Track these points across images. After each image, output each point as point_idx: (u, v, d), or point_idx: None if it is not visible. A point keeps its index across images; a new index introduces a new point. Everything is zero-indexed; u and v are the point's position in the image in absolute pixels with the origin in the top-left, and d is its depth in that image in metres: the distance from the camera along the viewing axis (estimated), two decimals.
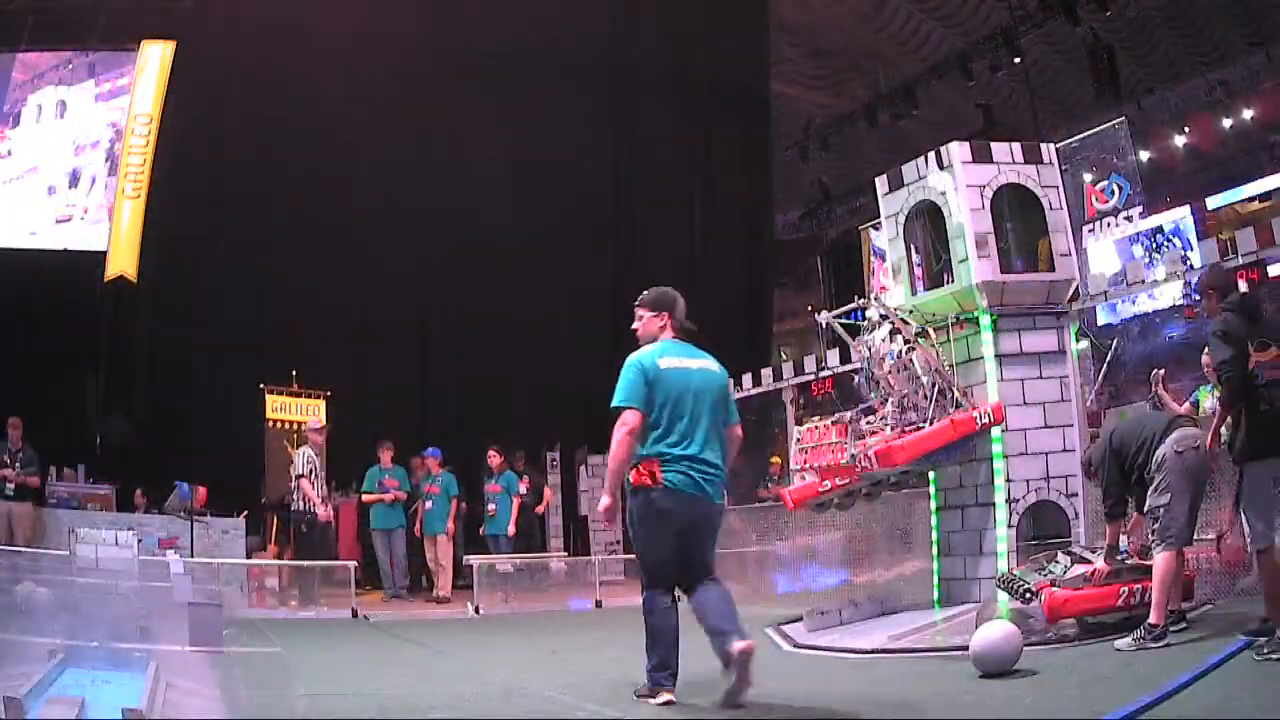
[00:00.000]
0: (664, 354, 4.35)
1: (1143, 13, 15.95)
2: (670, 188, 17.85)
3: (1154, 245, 15.34)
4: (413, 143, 15.48)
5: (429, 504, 11.04)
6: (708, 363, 4.46)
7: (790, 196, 21.60)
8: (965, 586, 6.84)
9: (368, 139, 14.84)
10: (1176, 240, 15.33)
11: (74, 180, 14.60)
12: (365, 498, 11.02)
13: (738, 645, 3.97)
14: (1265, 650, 4.29)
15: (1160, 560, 4.93)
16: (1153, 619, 4.87)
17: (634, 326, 4.61)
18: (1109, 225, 14.59)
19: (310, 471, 9.95)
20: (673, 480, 4.15)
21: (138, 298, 14.19)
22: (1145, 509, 5.12)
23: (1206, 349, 5.04)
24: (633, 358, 4.36)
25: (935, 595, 7.09)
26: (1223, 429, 4.75)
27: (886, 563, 9.17)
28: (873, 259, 19.22)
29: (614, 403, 4.26)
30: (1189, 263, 7.80)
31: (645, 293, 4.62)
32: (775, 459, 12.31)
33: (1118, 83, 15.74)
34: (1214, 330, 4.65)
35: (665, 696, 4.19)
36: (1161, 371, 6.13)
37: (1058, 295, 6.95)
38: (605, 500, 4.25)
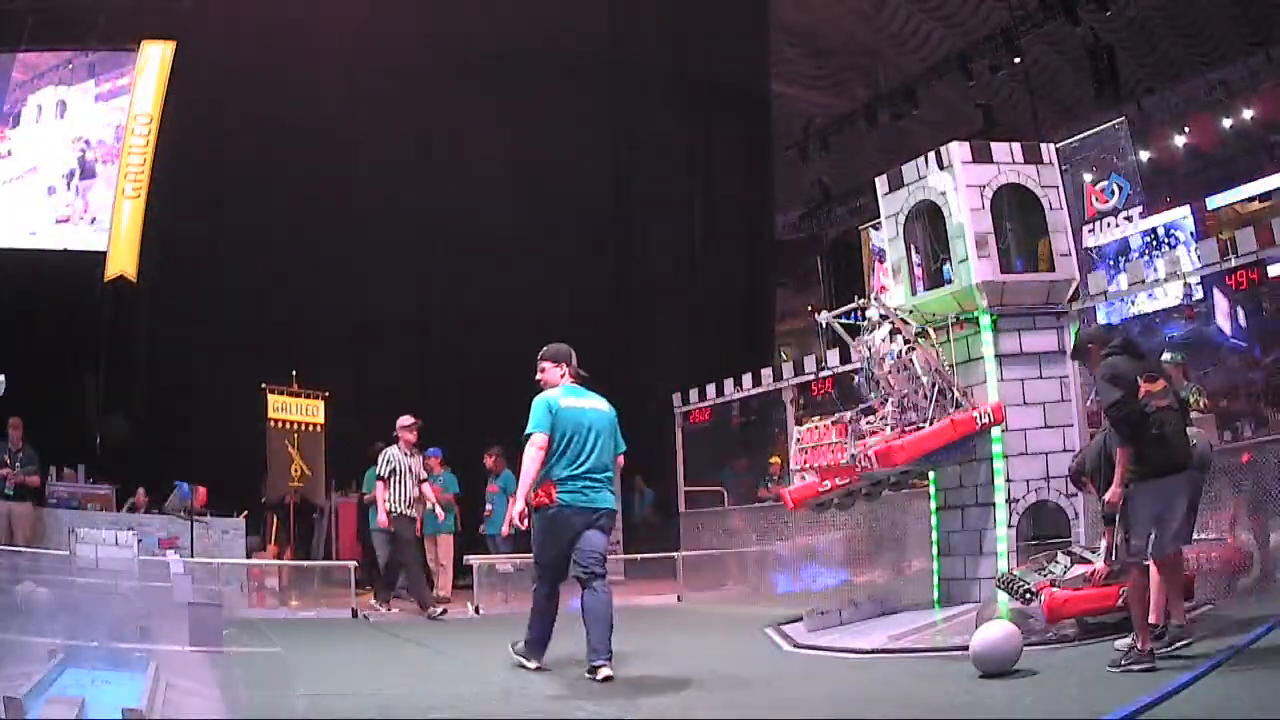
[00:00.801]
0: (564, 395, 5.51)
1: (1143, 13, 15.95)
2: (670, 188, 17.83)
3: (1152, 244, 15.36)
4: (413, 143, 15.46)
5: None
6: (599, 403, 5.61)
7: (790, 196, 21.59)
8: (965, 586, 6.84)
9: (368, 139, 14.83)
10: (1179, 233, 15.34)
11: (74, 180, 14.61)
12: (368, 498, 11.01)
13: (602, 673, 5.02)
14: (1123, 662, 4.43)
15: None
16: (1151, 618, 4.87)
17: (538, 377, 5.65)
18: (1109, 225, 14.59)
19: (392, 473, 9.11)
20: (565, 499, 5.28)
21: (138, 298, 14.18)
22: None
23: (1094, 393, 5.04)
24: (540, 398, 5.50)
25: (935, 595, 7.09)
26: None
27: (886, 563, 9.17)
28: (873, 259, 19.22)
29: (526, 431, 5.39)
30: (1192, 260, 7.78)
31: (545, 348, 5.71)
32: (775, 459, 12.31)
33: (1118, 83, 15.74)
34: (1101, 375, 4.69)
35: (535, 663, 5.46)
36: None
37: (1058, 295, 6.95)
38: (519, 506, 5.34)
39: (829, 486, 6.99)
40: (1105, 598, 5.37)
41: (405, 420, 9.43)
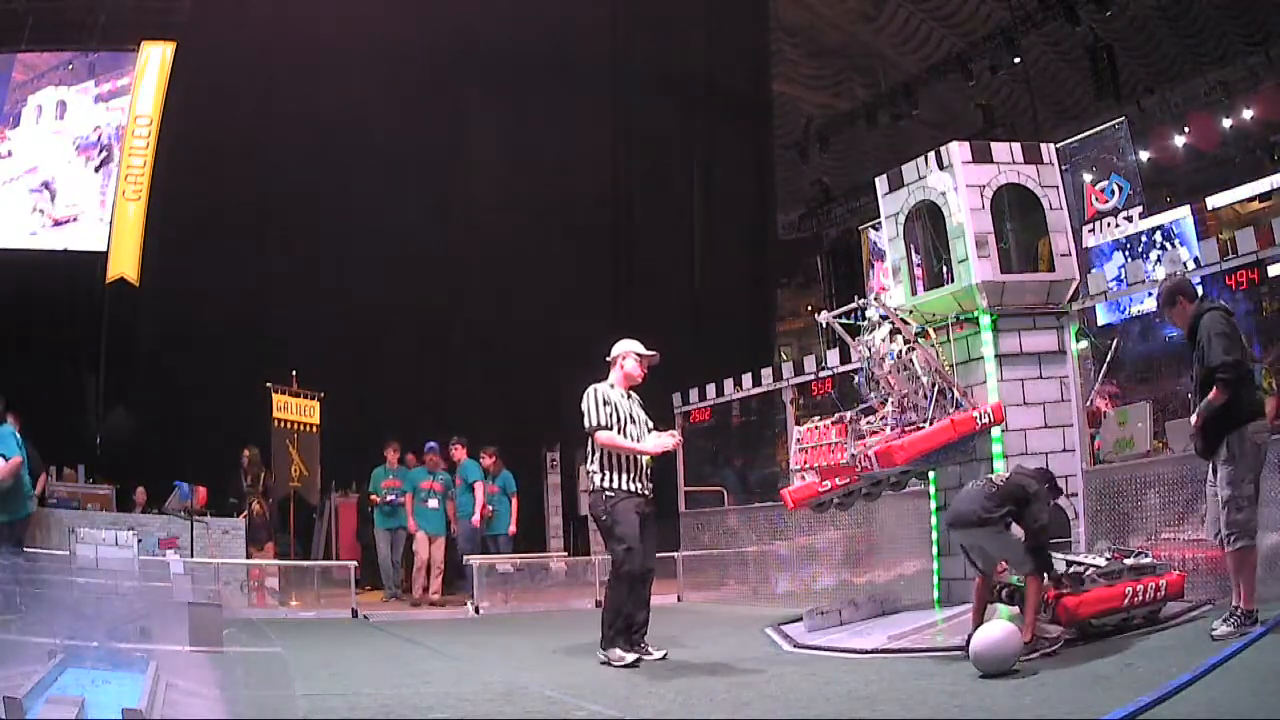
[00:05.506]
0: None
1: (1143, 13, 15.95)
2: (671, 187, 17.85)
3: (1151, 246, 15.34)
4: (413, 142, 15.47)
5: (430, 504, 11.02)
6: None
7: (790, 196, 21.60)
8: (965, 586, 6.81)
9: (368, 139, 14.83)
10: (1174, 242, 15.28)
11: (74, 181, 14.61)
12: (375, 499, 11.00)
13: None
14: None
15: (1239, 552, 4.87)
16: (1246, 605, 4.84)
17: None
18: (1109, 225, 14.57)
19: (614, 420, 6.19)
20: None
21: (138, 298, 14.20)
22: (1217, 496, 5.01)
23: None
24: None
25: (935, 595, 7.08)
26: None
27: (886, 563, 9.16)
28: (873, 259, 19.22)
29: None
30: (1193, 260, 7.77)
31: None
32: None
33: (1118, 83, 15.73)
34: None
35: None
36: None
37: (1058, 295, 6.95)
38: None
39: (829, 486, 6.97)
40: (1113, 598, 5.32)
41: (629, 345, 6.23)
